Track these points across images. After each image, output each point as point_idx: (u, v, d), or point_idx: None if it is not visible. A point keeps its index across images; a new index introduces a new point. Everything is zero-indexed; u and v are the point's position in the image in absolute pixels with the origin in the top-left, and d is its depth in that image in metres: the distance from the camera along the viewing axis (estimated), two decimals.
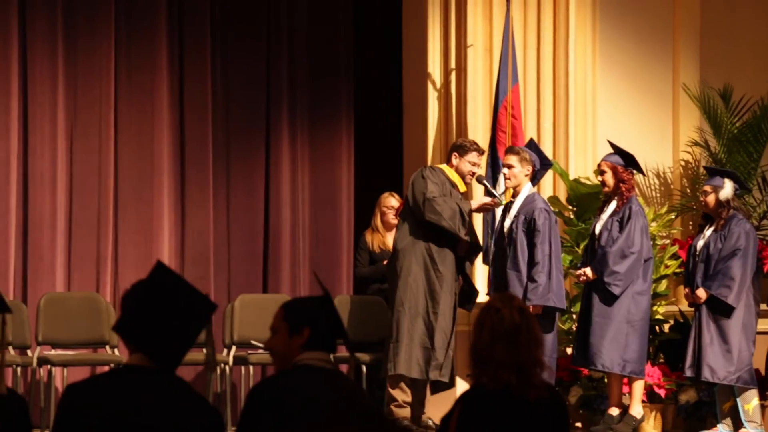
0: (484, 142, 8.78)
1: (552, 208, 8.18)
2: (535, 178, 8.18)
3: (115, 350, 8.64)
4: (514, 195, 8.08)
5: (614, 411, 8.08)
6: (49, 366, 8.36)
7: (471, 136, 9.01)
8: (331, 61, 10.04)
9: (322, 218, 10.00)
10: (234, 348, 8.86)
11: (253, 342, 8.69)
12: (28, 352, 8.62)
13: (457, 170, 8.21)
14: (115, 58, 9.59)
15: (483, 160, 8.44)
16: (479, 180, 8.40)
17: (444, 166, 8.28)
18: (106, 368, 9.06)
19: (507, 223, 8.05)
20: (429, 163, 9.09)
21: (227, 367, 8.73)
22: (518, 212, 8.00)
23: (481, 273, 8.84)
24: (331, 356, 3.85)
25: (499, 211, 8.38)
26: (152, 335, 3.45)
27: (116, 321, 3.53)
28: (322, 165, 10.02)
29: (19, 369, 8.37)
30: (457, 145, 8.30)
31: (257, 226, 9.88)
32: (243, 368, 8.90)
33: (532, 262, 7.87)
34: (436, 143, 9.27)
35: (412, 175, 8.24)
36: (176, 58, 9.74)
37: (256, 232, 9.86)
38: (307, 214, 9.98)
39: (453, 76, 9.30)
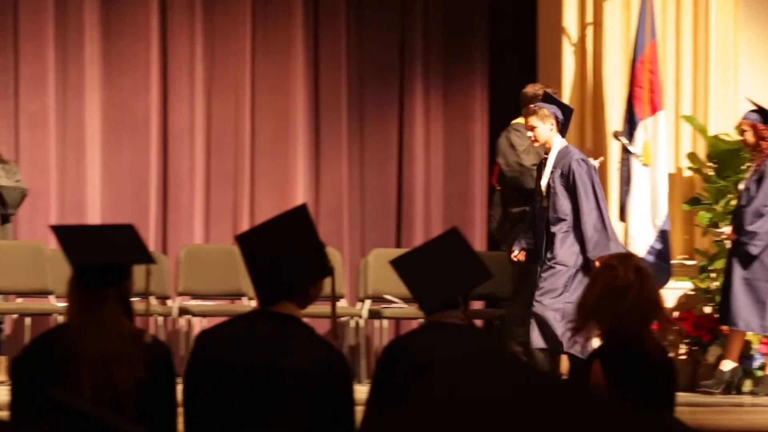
0: (620, 98, 8.66)
1: (588, 159, 7.95)
2: (563, 129, 7.96)
3: (252, 302, 8.78)
4: (546, 152, 7.92)
5: (727, 365, 7.97)
6: (188, 316, 8.54)
7: (607, 91, 8.90)
8: (465, 15, 9.99)
9: (456, 174, 9.98)
10: (368, 302, 8.93)
11: (386, 297, 8.75)
12: (168, 302, 8.81)
13: None
14: (252, 14, 9.70)
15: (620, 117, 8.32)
16: (616, 136, 8.28)
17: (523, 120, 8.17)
18: None
19: (544, 182, 7.89)
20: None
21: (361, 321, 8.81)
22: (554, 167, 7.84)
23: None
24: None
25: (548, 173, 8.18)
26: (261, 263, 3.48)
27: (246, 231, 3.59)
28: (456, 120, 9.99)
29: (160, 318, 8.57)
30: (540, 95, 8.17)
31: (390, 181, 9.91)
32: (377, 322, 8.97)
33: (579, 217, 7.74)
34: (571, 99, 9.16)
35: (499, 139, 8.15)
36: (311, 13, 9.80)
37: (389, 187, 9.90)
38: (440, 170, 9.97)
39: (589, 31, 9.17)
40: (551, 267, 7.66)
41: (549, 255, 7.71)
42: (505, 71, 10.00)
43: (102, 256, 3.59)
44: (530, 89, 8.30)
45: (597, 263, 7.62)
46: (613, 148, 8.79)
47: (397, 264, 3.77)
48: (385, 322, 8.94)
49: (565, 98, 9.21)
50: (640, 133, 8.25)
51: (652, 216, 8.39)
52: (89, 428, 2.24)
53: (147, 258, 3.72)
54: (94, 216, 9.28)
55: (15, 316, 8.56)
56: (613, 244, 7.70)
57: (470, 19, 9.99)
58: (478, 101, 9.96)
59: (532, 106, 7.98)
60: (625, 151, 8.25)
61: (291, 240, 3.46)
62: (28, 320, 8.18)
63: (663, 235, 8.38)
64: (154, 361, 3.60)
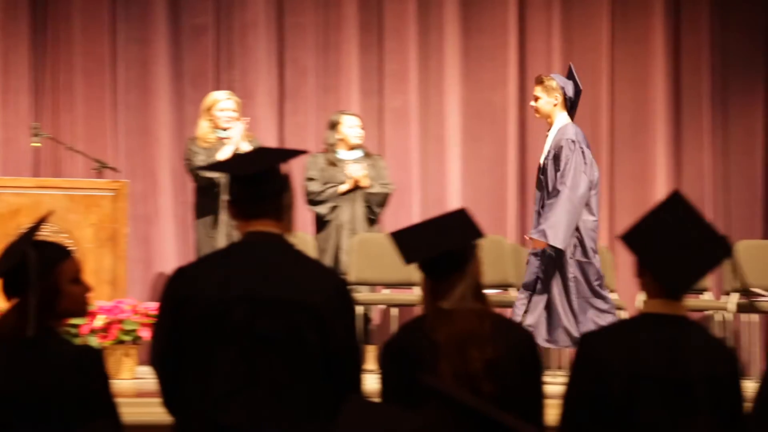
0: None
1: (584, 139, 7.32)
2: (572, 108, 7.39)
3: (613, 294, 8.67)
4: (548, 128, 7.42)
5: None
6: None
7: None
8: None
9: None
10: (735, 295, 8.65)
11: (754, 290, 8.45)
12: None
13: None
14: (611, 3, 9.62)
15: None
16: None
17: None
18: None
19: (542, 159, 7.41)
20: None
21: (728, 315, 8.54)
22: (550, 146, 7.33)
23: None
24: None
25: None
26: (658, 258, 3.38)
27: (626, 230, 3.48)
28: None
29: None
30: None
31: (756, 171, 9.60)
32: (744, 316, 8.68)
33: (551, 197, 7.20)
34: None
35: None
36: (671, 2, 9.63)
37: (755, 177, 9.58)
38: None
39: None
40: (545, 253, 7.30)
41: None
42: None
43: (430, 248, 3.61)
44: None
45: (531, 243, 7.26)
46: None
47: None
48: (755, 317, 8.63)
49: None
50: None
51: None
52: (464, 417, 2.26)
53: (474, 235, 3.66)
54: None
55: (382, 306, 8.84)
56: (548, 232, 7.18)
57: None
58: None
59: (540, 75, 7.62)
60: None
61: (680, 227, 3.37)
62: (394, 311, 8.43)
63: None
64: (511, 342, 3.58)
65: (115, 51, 9.36)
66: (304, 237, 8.57)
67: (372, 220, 8.61)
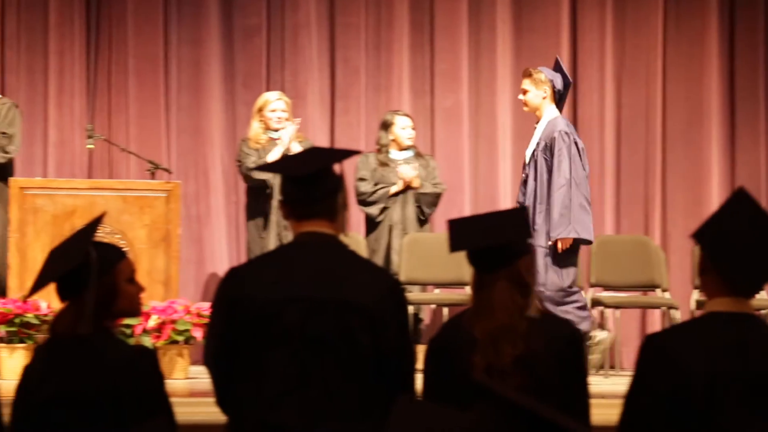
0: None
1: (574, 130, 7.32)
2: (560, 101, 7.35)
3: (666, 293, 8.63)
4: (537, 121, 7.37)
5: None
6: (601, 307, 8.50)
7: None
8: None
9: None
10: None
11: None
12: (582, 293, 8.80)
13: None
14: (666, 4, 9.57)
15: None
16: None
17: None
18: (657, 311, 9.09)
19: (528, 152, 7.36)
20: None
21: None
22: (540, 139, 7.29)
23: None
24: None
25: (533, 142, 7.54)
26: (728, 260, 3.33)
27: (697, 229, 3.41)
28: None
29: None
30: None
31: None
32: None
33: (550, 192, 7.14)
34: None
35: None
36: (726, 1, 9.56)
37: None
38: None
39: None
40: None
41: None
42: None
43: (474, 241, 3.62)
44: None
45: (559, 244, 7.15)
46: None
47: None
48: None
49: None
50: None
51: None
52: (516, 416, 2.25)
53: (522, 235, 3.65)
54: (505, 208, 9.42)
55: (433, 306, 8.84)
56: (576, 226, 7.15)
57: None
58: None
59: (528, 68, 7.56)
60: None
61: (749, 224, 3.31)
62: (445, 310, 8.43)
63: None
64: (550, 338, 3.57)
65: (168, 52, 9.42)
66: (356, 237, 8.59)
67: (423, 221, 8.62)
